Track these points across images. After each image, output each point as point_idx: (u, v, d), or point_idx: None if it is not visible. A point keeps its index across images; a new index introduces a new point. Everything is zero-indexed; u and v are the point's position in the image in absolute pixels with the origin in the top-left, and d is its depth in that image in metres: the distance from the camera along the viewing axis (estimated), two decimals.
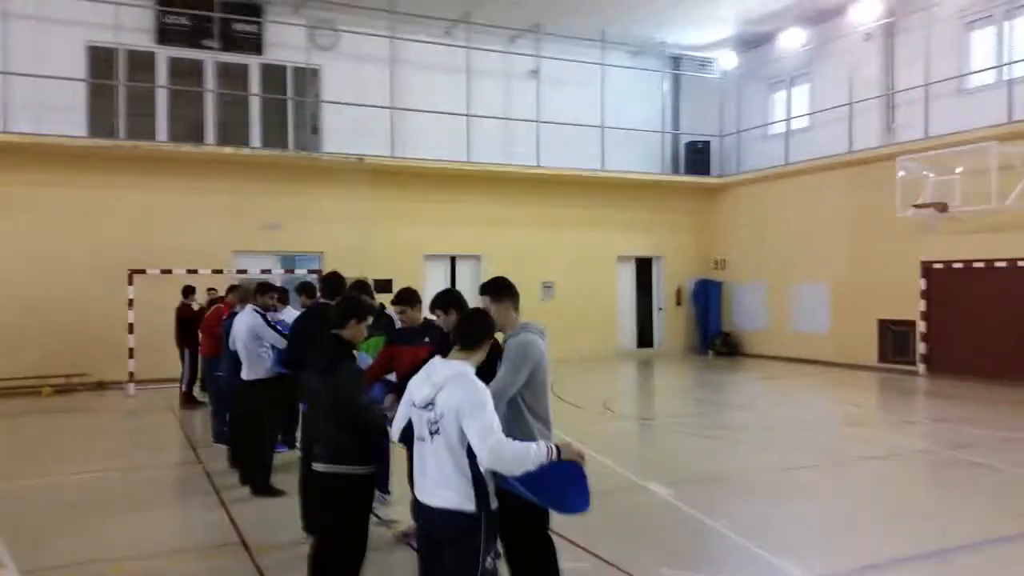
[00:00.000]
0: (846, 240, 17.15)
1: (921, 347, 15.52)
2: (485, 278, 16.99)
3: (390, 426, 4.04)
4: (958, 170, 13.78)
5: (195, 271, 13.44)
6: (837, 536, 6.13)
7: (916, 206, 14.38)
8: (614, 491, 7.26)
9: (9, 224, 13.95)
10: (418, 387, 3.54)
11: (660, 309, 20.53)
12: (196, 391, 12.33)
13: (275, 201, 15.77)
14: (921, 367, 15.50)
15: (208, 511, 6.83)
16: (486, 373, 4.34)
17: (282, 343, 7.27)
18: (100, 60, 14.69)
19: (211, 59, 15.53)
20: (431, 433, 3.41)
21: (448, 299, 5.05)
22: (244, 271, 14.22)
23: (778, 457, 8.91)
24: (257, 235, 15.64)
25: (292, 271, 15.09)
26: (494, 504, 3.48)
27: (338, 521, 4.42)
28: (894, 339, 16.13)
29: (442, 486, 3.41)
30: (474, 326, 3.69)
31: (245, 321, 7.54)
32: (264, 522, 6.45)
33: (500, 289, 4.37)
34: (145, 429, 11.04)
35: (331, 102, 16.48)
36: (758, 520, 6.45)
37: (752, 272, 19.62)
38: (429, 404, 3.45)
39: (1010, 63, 14.19)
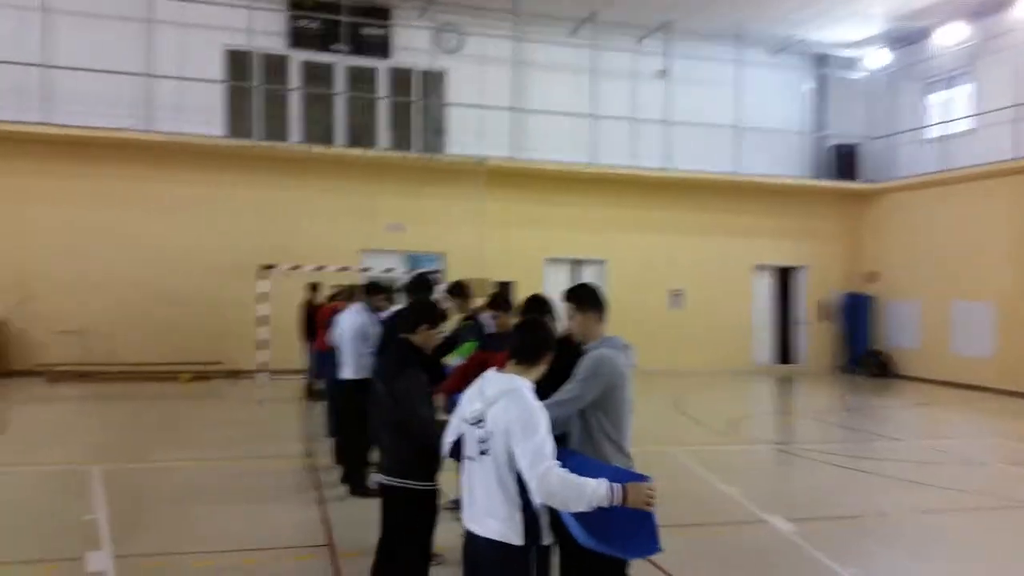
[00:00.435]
0: (1013, 255, 15.34)
1: None
2: (609, 284, 16.31)
3: None
4: None
5: (322, 268, 13.61)
6: None
7: None
8: (727, 523, 6.53)
9: (153, 219, 14.67)
10: (469, 400, 3.22)
11: (802, 323, 19.16)
12: (319, 384, 12.48)
13: (400, 202, 15.85)
14: None
15: (303, 509, 6.65)
16: (554, 386, 3.84)
17: None
18: (237, 63, 15.23)
19: (341, 62, 15.80)
20: (480, 453, 3.07)
21: (540, 306, 4.65)
22: (367, 269, 14.29)
23: (928, 497, 7.76)
24: (382, 235, 15.78)
25: (413, 271, 15.04)
26: (547, 539, 3.01)
27: (396, 538, 4.05)
28: None
29: (489, 514, 3.02)
30: (530, 338, 3.31)
31: (352, 320, 7.37)
32: (356, 524, 6.15)
33: (586, 298, 3.93)
34: (266, 420, 11.21)
35: (455, 104, 16.41)
36: (894, 572, 5.57)
37: (905, 286, 17.96)
38: (479, 420, 3.09)
39: None
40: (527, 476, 2.86)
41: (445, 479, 4.14)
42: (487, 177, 15.94)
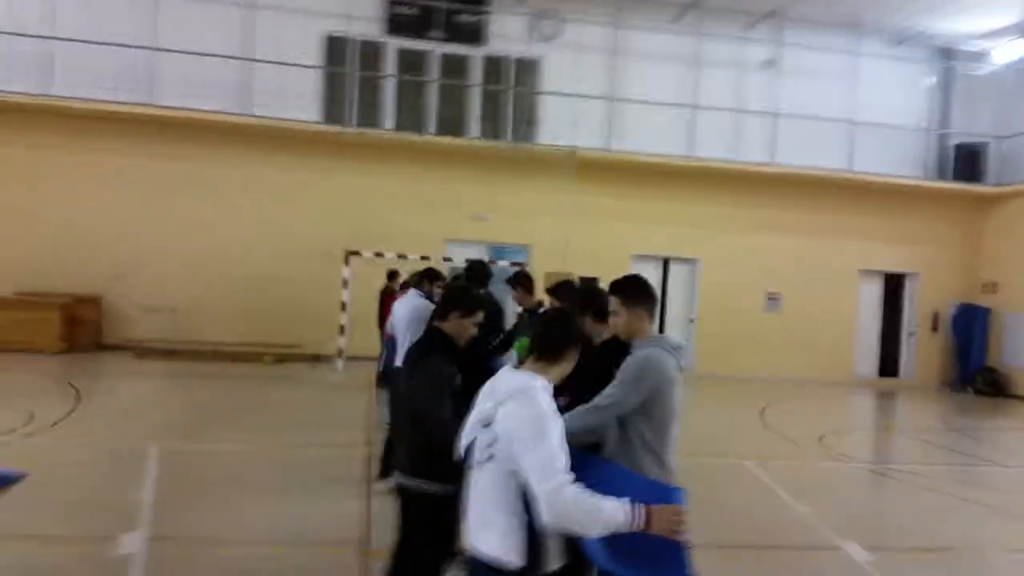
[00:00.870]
0: None
1: None
2: (701, 284, 15.46)
3: None
4: None
5: (404, 256, 13.59)
6: None
7: None
8: (797, 546, 5.98)
9: (246, 202, 15.03)
10: (482, 399, 2.89)
11: (911, 334, 17.84)
12: None
13: (487, 191, 15.67)
14: None
15: (348, 501, 6.52)
16: (595, 389, 3.49)
17: None
18: (334, 49, 15.37)
19: (436, 50, 15.71)
20: (486, 459, 2.74)
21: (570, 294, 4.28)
22: (449, 259, 14.19)
23: None
24: (468, 224, 15.64)
25: (495, 262, 14.87)
26: (552, 565, 2.64)
27: (410, 542, 3.76)
28: None
29: (484, 526, 2.68)
30: (553, 331, 2.97)
31: (408, 304, 7.19)
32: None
33: (634, 291, 3.58)
34: (336, 405, 11.26)
35: (547, 93, 16.07)
36: None
37: None
38: (488, 422, 2.76)
39: None
40: (534, 491, 2.54)
41: None
42: (577, 168, 15.53)
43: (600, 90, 16.06)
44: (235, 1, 14.90)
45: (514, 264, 14.29)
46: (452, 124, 15.85)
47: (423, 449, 3.62)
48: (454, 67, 15.95)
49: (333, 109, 15.36)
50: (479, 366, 4.38)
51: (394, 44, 15.74)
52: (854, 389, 16.78)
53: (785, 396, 14.57)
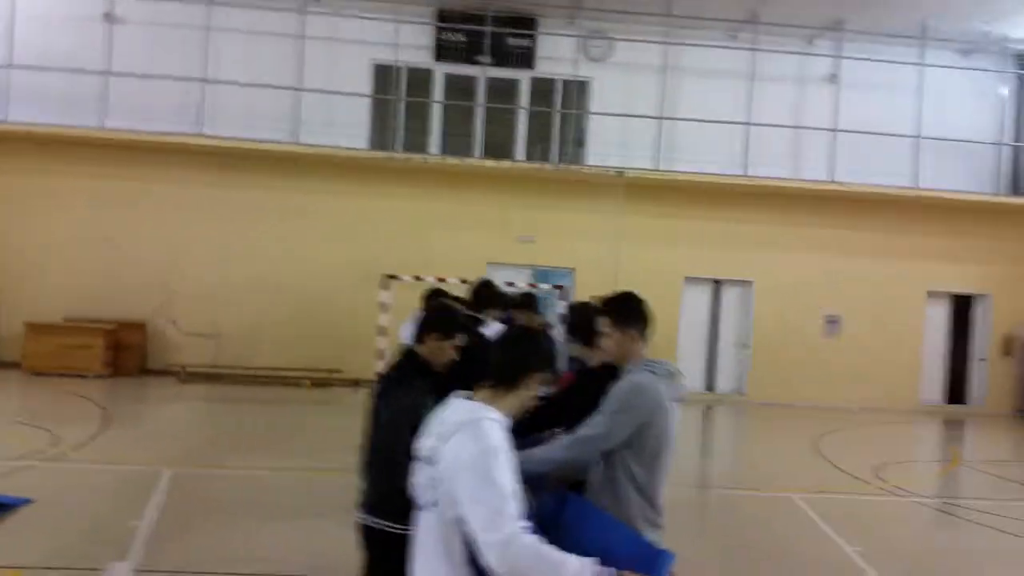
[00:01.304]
0: None
1: None
2: (756, 307, 14.87)
3: None
4: None
5: (443, 279, 13.56)
6: None
7: None
8: None
9: (291, 229, 15.23)
10: (426, 433, 2.53)
11: (981, 359, 16.81)
12: None
13: (533, 214, 15.55)
14: None
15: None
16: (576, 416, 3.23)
17: None
18: (383, 77, 15.55)
19: (483, 75, 15.73)
20: (430, 503, 2.42)
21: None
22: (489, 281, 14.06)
23: None
24: (512, 247, 15.54)
25: (535, 285, 14.71)
26: None
27: None
28: None
29: None
30: (508, 353, 2.59)
31: (406, 330, 7.10)
32: None
33: (626, 310, 3.33)
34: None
35: (596, 113, 15.86)
36: None
37: None
38: (432, 461, 2.43)
39: None
40: (480, 542, 2.21)
41: None
42: (626, 189, 15.25)
43: (651, 109, 15.76)
44: (286, 33, 15.22)
45: (555, 287, 14.12)
46: (499, 147, 15.80)
47: (381, 486, 3.45)
48: (502, 90, 15.91)
49: (381, 136, 15.53)
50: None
51: (442, 70, 15.79)
52: (919, 417, 15.94)
53: (844, 425, 13.92)
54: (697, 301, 16.28)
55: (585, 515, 2.78)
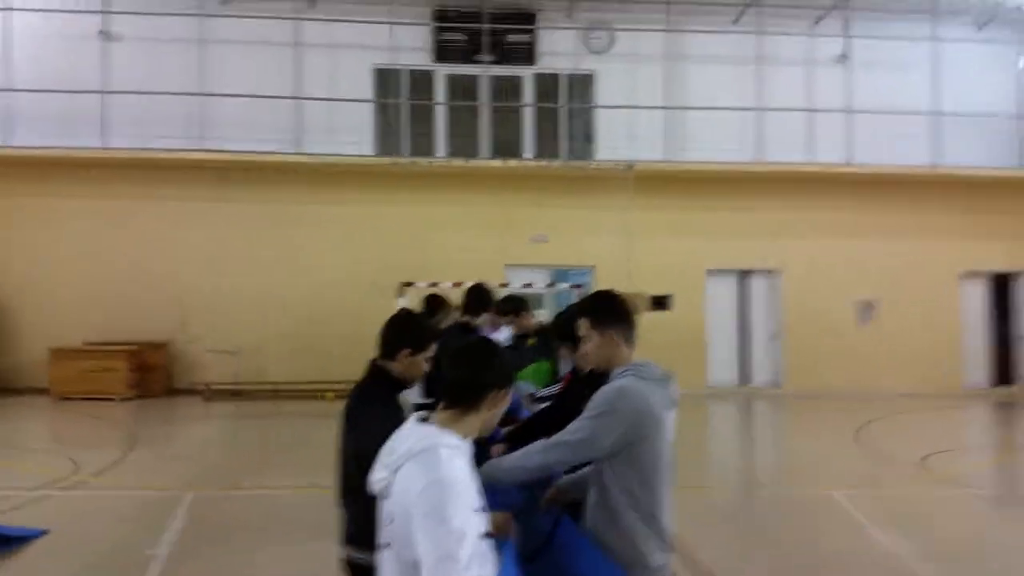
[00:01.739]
0: None
1: None
2: (785, 297, 14.22)
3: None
4: None
5: (459, 284, 13.06)
6: None
7: None
8: None
9: (302, 240, 14.89)
10: (379, 462, 2.24)
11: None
12: None
13: (545, 213, 15.11)
14: None
15: None
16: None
17: None
18: (384, 82, 15.23)
19: (485, 74, 15.38)
20: (384, 543, 2.17)
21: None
22: (506, 284, 13.59)
23: None
24: (527, 248, 15.07)
25: (553, 284, 14.20)
26: None
27: None
28: None
29: None
30: (464, 368, 2.30)
31: None
32: None
33: (604, 310, 2.96)
34: None
35: (603, 107, 15.48)
36: None
37: None
38: (384, 493, 2.18)
39: None
40: None
41: None
42: (636, 182, 14.78)
43: (658, 100, 15.37)
44: (284, 42, 14.96)
45: (574, 287, 13.62)
46: (506, 147, 15.44)
47: (358, 518, 2.98)
48: (505, 89, 15.59)
49: (385, 141, 15.19)
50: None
51: (443, 71, 15.50)
52: (964, 402, 15.15)
53: (884, 413, 13.23)
54: (723, 294, 15.74)
55: (573, 545, 2.68)
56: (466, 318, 5.92)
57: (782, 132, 15.35)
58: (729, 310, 15.85)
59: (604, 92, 15.60)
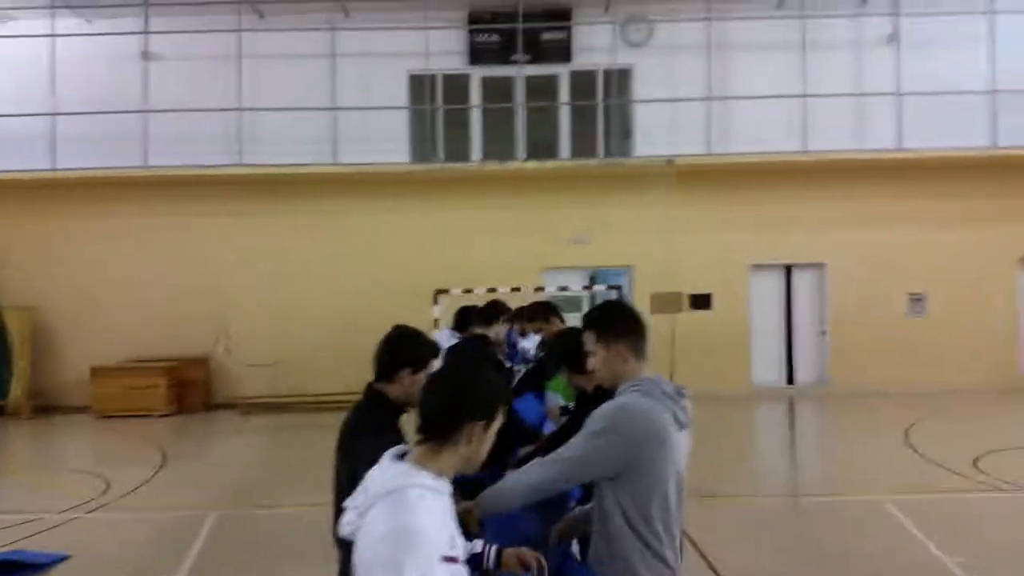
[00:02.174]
0: None
1: None
2: (832, 291, 13.97)
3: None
4: None
5: (494, 289, 13.10)
6: None
7: None
8: None
9: (339, 250, 15.00)
10: (350, 503, 2.07)
11: None
12: None
13: (583, 213, 14.95)
14: None
15: None
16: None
17: None
18: (419, 87, 15.18)
19: (520, 74, 15.19)
20: None
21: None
22: (541, 288, 13.58)
23: None
24: (567, 250, 14.96)
25: (590, 287, 14.11)
26: None
27: None
28: None
29: None
30: (437, 399, 2.09)
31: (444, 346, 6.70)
32: None
33: (611, 323, 2.83)
34: None
35: (641, 101, 15.17)
36: None
37: None
38: (354, 536, 2.02)
39: None
40: None
41: None
42: (677, 178, 14.50)
43: (699, 91, 14.99)
44: (318, 53, 15.01)
45: (611, 288, 13.52)
46: (543, 147, 15.30)
47: (344, 559, 2.91)
48: (541, 88, 15.38)
49: (421, 147, 15.18)
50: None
51: (478, 73, 15.37)
52: (1022, 396, 14.62)
53: (936, 411, 12.90)
54: (767, 289, 15.42)
55: None
56: (479, 331, 5.96)
57: (829, 120, 14.83)
58: (774, 306, 15.53)
59: (642, 86, 15.28)
